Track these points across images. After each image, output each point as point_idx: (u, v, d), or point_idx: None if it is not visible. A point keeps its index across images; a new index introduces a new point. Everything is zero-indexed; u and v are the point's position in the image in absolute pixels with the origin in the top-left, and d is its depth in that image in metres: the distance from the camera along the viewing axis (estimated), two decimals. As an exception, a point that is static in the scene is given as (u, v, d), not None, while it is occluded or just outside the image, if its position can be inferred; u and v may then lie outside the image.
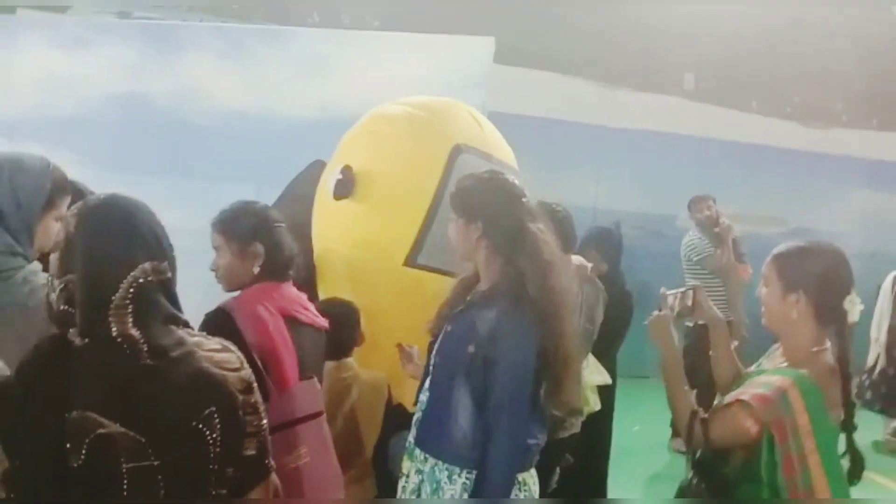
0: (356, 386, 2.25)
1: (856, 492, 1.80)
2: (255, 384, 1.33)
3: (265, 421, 1.34)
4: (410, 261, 2.49)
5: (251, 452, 1.30)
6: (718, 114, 7.39)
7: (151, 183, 3.93)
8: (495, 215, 1.88)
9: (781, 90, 7.61)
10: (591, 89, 6.97)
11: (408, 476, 1.94)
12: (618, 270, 3.44)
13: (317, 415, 2.00)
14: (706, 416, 1.80)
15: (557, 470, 2.23)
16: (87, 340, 1.19)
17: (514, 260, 1.84)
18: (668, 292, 2.12)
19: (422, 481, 1.88)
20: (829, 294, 1.77)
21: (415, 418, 1.99)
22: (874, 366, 4.93)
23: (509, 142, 2.98)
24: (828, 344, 1.79)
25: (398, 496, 1.98)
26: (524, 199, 1.92)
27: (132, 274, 1.21)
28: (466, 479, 1.81)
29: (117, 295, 1.20)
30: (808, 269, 1.79)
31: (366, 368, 2.36)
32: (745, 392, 1.75)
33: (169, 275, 1.27)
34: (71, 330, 1.21)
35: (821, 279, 1.78)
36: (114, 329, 1.19)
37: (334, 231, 2.58)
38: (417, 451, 1.92)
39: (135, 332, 1.19)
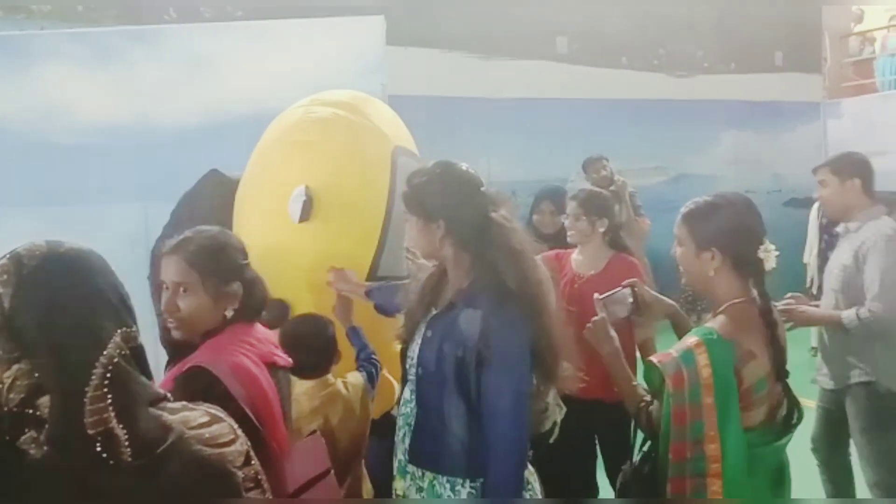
0: (339, 401, 2.08)
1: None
2: (252, 451, 1.13)
3: (269, 493, 1.16)
4: (371, 275, 2.37)
5: None
6: (593, 73, 7.54)
7: (18, 214, 3.51)
8: (456, 211, 1.75)
9: (648, 45, 7.87)
10: (470, 63, 6.91)
11: (404, 496, 1.80)
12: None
13: (325, 474, 1.80)
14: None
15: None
16: (46, 449, 0.92)
17: (485, 254, 1.73)
18: (601, 297, 2.07)
19: (423, 499, 1.74)
20: (742, 246, 1.78)
21: (400, 434, 1.84)
22: (810, 286, 5.17)
23: (406, 124, 2.84)
24: (753, 294, 1.79)
25: None
26: (482, 189, 1.80)
27: (105, 352, 0.95)
28: (472, 488, 1.69)
29: (91, 384, 0.93)
30: (718, 225, 1.78)
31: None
32: (656, 355, 1.78)
33: (141, 341, 1.02)
34: (23, 437, 0.93)
35: (732, 233, 1.77)
36: (90, 429, 0.92)
37: (288, 254, 2.33)
38: (411, 467, 1.78)
39: (118, 431, 0.93)
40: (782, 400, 1.80)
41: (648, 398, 1.85)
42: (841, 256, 2.82)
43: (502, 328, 1.67)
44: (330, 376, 2.11)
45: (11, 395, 0.94)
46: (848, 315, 2.66)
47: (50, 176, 3.55)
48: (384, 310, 2.31)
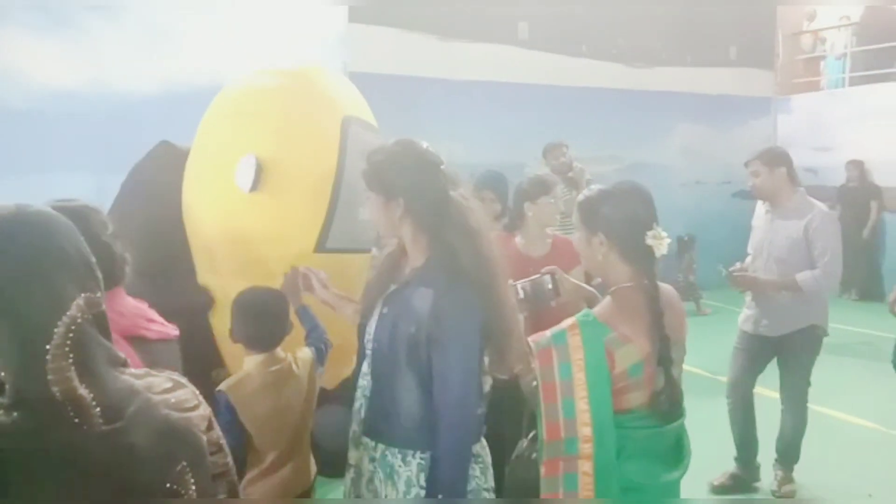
0: (291, 377, 2.08)
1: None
2: (213, 416, 1.15)
3: (229, 458, 1.18)
4: (320, 247, 2.32)
5: (223, 496, 1.14)
6: (552, 60, 7.62)
7: (-33, 181, 3.45)
8: (416, 190, 1.77)
9: (607, 34, 7.97)
10: (431, 43, 6.92)
11: (357, 466, 1.85)
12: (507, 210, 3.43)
13: None
14: None
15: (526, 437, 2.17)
16: (15, 415, 0.92)
17: (442, 233, 1.76)
18: (519, 283, 2.11)
19: (374, 469, 1.80)
20: (627, 232, 1.81)
21: (356, 405, 1.89)
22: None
23: (367, 102, 2.84)
24: (643, 280, 1.80)
25: (346, 488, 1.89)
26: (442, 167, 1.80)
27: (68, 313, 0.95)
28: (421, 459, 1.74)
29: (53, 343, 0.93)
30: (605, 212, 1.82)
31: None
32: (534, 335, 1.81)
33: (104, 306, 1.03)
34: None
35: (618, 220, 1.81)
36: (56, 390, 0.92)
37: (235, 226, 2.31)
38: (365, 439, 1.84)
39: (83, 392, 0.94)
40: (664, 387, 1.77)
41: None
42: (786, 232, 3.31)
43: (453, 307, 1.71)
44: (279, 350, 2.11)
45: None
46: (803, 277, 3.23)
47: (4, 142, 3.49)
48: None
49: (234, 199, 2.27)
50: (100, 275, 1.05)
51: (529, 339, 1.79)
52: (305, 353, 2.17)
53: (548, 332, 1.77)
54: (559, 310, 2.17)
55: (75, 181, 3.59)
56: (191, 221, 2.42)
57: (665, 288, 1.87)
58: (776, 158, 3.33)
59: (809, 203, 3.34)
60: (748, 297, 3.48)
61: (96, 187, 3.49)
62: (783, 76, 9.52)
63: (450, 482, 1.71)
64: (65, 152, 3.53)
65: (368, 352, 1.85)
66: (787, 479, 3.46)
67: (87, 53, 3.46)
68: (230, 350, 2.31)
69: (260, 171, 2.22)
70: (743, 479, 3.51)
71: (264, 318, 2.05)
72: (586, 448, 1.72)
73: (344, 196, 2.31)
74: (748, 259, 3.51)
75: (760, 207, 3.51)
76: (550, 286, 2.19)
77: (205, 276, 2.43)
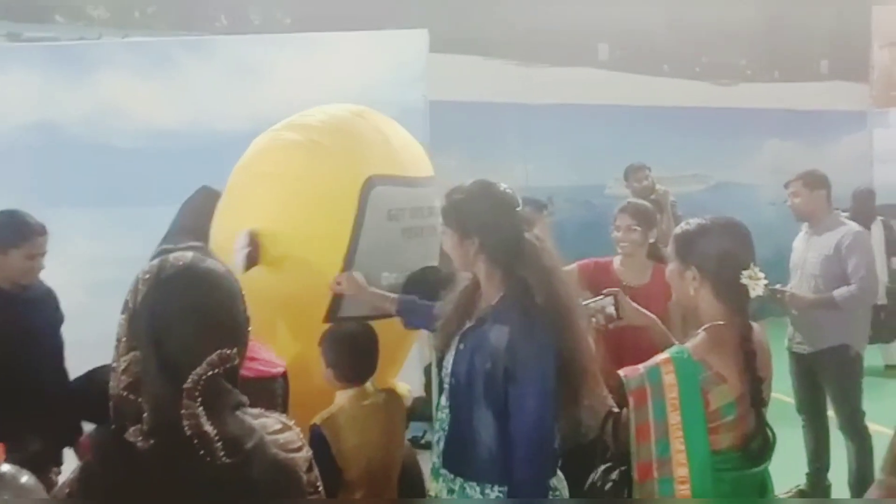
0: (381, 413, 2.14)
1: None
2: (314, 460, 1.24)
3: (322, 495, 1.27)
4: (331, 317, 2.27)
5: None
6: (633, 80, 7.54)
7: (76, 214, 3.67)
8: (491, 229, 1.83)
9: (689, 52, 7.83)
10: (511, 69, 6.97)
11: (438, 498, 1.90)
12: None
13: None
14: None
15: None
16: (152, 442, 1.05)
17: (515, 271, 1.81)
18: (583, 302, 2.09)
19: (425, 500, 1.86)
20: (723, 270, 1.77)
21: (435, 437, 1.94)
22: None
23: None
24: (735, 318, 1.76)
25: None
26: (517, 209, 1.89)
27: (206, 362, 1.08)
28: (499, 492, 1.78)
29: (188, 384, 1.06)
30: (702, 247, 1.79)
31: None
32: (625, 368, 1.78)
33: (237, 361, 1.14)
34: (131, 429, 1.06)
35: (714, 256, 1.78)
36: (186, 426, 1.05)
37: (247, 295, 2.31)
38: (444, 471, 1.88)
39: (209, 429, 1.06)
40: (756, 428, 1.74)
41: (616, 408, 1.84)
42: (820, 249, 3.47)
43: (529, 343, 1.75)
44: (370, 385, 2.16)
45: (123, 377, 1.08)
46: (840, 292, 3.34)
47: (108, 177, 3.72)
48: (412, 325, 2.34)
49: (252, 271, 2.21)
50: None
51: (620, 372, 1.77)
52: (402, 388, 2.21)
53: (641, 368, 1.75)
54: (617, 331, 2.21)
55: (173, 214, 3.78)
56: None
57: (755, 328, 1.83)
58: (818, 181, 3.50)
59: (842, 223, 3.54)
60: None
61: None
62: (879, 88, 9.08)
63: None
64: (164, 188, 3.72)
65: (446, 386, 1.90)
66: None
67: (183, 93, 3.65)
68: None
69: (256, 249, 2.19)
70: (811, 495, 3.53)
71: (353, 352, 2.11)
72: (683, 489, 1.68)
73: (360, 262, 2.26)
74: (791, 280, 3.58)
75: (803, 229, 3.62)
76: (612, 309, 2.18)
77: None
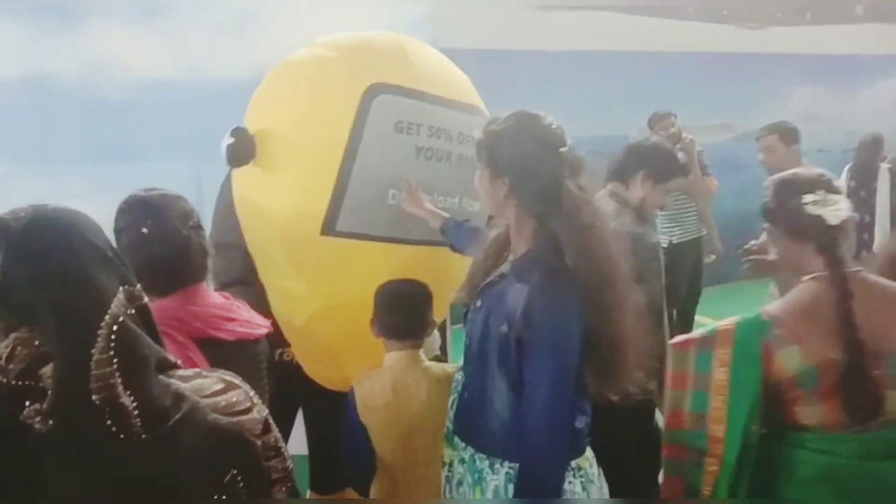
0: (427, 384, 1.93)
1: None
2: (270, 417, 1.07)
3: (289, 461, 1.10)
4: (327, 229, 2.11)
5: (281, 497, 1.07)
6: (657, 25, 7.20)
7: (72, 173, 3.55)
8: (525, 170, 1.56)
9: (716, -6, 7.46)
10: (522, 14, 6.66)
11: (451, 465, 1.73)
12: None
13: None
14: None
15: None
16: (51, 422, 0.86)
17: (548, 223, 1.57)
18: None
19: (464, 473, 1.68)
20: (780, 207, 1.65)
21: (450, 400, 1.76)
22: None
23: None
24: (822, 265, 1.54)
25: (443, 487, 1.76)
26: (562, 150, 1.58)
27: (109, 311, 0.89)
28: (510, 468, 1.60)
29: (97, 347, 0.87)
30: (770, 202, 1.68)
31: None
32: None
33: (146, 299, 0.96)
34: (28, 408, 0.87)
35: (779, 207, 1.66)
36: (96, 398, 0.86)
37: (252, 207, 2.18)
38: (457, 439, 1.71)
39: (126, 400, 0.87)
40: (859, 409, 1.43)
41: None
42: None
43: (548, 307, 1.52)
44: (423, 356, 1.97)
45: (11, 366, 0.89)
46: None
47: (102, 133, 3.57)
48: (458, 249, 2.14)
49: (247, 179, 2.18)
50: (130, 266, 0.99)
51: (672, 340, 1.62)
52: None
53: (695, 337, 1.62)
54: None
55: (173, 169, 3.63)
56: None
57: (869, 280, 1.54)
58: (793, 135, 3.26)
59: None
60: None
61: (194, 175, 3.52)
62: (917, 30, 8.65)
63: (538, 497, 1.53)
64: (161, 141, 3.57)
65: (465, 346, 1.70)
66: None
67: (178, 42, 3.47)
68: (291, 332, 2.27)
69: (244, 143, 2.10)
70: None
71: (403, 308, 1.94)
72: (716, 447, 1.51)
73: (359, 172, 2.09)
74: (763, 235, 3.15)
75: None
76: None
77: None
